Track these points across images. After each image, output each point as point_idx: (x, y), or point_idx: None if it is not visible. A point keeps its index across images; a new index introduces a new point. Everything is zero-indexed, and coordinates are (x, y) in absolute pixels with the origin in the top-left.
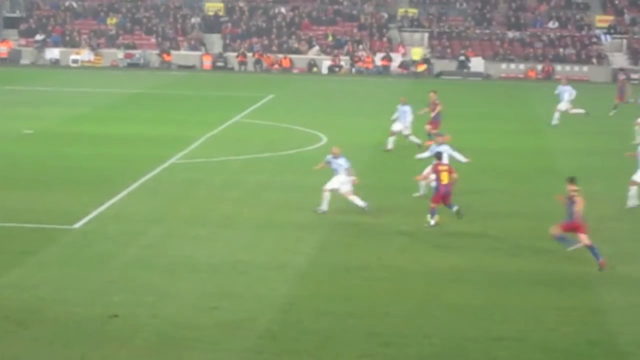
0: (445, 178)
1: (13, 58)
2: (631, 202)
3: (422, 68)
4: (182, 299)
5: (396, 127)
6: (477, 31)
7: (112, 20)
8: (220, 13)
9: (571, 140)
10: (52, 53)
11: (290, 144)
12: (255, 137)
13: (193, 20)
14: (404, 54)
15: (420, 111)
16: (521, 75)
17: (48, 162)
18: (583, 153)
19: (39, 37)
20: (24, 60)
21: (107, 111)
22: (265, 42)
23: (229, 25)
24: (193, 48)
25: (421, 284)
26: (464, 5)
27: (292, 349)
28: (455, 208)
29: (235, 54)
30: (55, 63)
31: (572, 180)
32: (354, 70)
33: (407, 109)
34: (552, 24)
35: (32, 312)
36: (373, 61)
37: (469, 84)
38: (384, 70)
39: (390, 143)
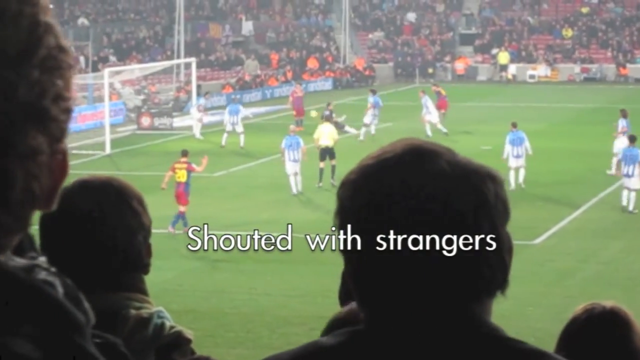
0: None
1: (470, 75)
2: None
3: None
4: None
5: None
6: None
7: (568, 33)
8: None
9: None
10: (508, 69)
11: None
12: None
13: None
14: None
15: None
16: None
17: None
18: None
19: (494, 52)
20: (480, 77)
21: (563, 126)
22: None
23: None
24: None
25: None
26: None
27: None
28: None
29: None
30: (511, 79)
31: None
32: None
33: None
34: None
35: None
36: None
37: None
38: None
39: None
